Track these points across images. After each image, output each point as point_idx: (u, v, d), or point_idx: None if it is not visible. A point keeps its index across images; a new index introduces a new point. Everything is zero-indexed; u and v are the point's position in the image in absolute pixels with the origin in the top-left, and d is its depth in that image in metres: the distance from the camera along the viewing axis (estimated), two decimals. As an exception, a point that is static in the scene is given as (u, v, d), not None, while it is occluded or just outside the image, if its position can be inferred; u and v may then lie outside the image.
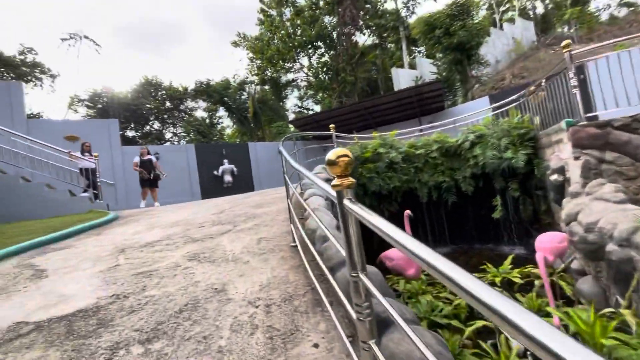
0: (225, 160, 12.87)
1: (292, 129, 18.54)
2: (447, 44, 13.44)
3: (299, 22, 23.35)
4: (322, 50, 24.79)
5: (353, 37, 23.74)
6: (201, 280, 2.30)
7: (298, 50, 23.99)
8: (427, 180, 6.71)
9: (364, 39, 25.34)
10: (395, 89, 19.88)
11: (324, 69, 23.81)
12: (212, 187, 12.48)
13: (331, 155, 1.04)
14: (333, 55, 23.85)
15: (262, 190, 12.36)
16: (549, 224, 5.34)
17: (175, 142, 24.78)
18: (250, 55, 25.44)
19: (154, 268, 2.64)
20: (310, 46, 23.74)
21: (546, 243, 3.32)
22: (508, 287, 4.15)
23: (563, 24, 25.99)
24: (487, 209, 6.73)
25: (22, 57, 19.47)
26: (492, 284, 4.19)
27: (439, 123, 8.58)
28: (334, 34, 23.44)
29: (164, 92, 22.99)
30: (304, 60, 25.44)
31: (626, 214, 3.29)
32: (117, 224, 4.88)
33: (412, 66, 23.33)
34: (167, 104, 23.67)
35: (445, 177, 6.63)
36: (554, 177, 4.55)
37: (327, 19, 23.53)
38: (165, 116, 23.94)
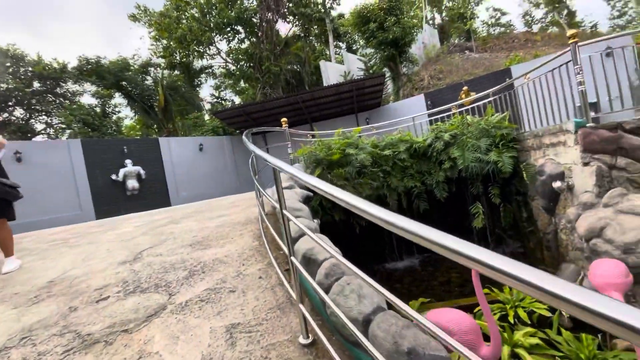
0: (128, 161, 9.99)
1: (213, 122, 16.05)
2: (382, 38, 13.07)
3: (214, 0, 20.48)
4: (243, 35, 22.42)
5: (276, 24, 22.08)
6: None
7: (215, 33, 21.11)
8: (396, 186, 5.82)
9: (288, 27, 23.87)
10: (325, 83, 19.09)
11: (246, 57, 21.55)
12: (109, 198, 9.52)
13: None
14: (255, 42, 21.77)
15: (186, 204, 10.04)
16: (532, 232, 4.98)
17: (52, 137, 19.25)
18: (154, 33, 21.38)
19: None
20: (229, 29, 21.14)
21: (613, 278, 2.60)
22: (536, 324, 3.43)
23: (460, 34, 29.15)
24: (458, 216, 6.24)
25: None
26: (503, 320, 3.46)
27: (394, 120, 7.84)
28: (256, 19, 21.35)
29: (30, 68, 17.41)
30: (222, 45, 22.67)
31: (681, 233, 2.81)
32: None
33: (338, 61, 22.98)
34: (36, 84, 18.06)
35: (416, 181, 5.85)
36: (557, 184, 4.06)
37: (247, 0, 21.26)
38: (34, 101, 18.26)
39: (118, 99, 20.39)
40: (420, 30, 17.13)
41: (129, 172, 9.87)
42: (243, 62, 22.11)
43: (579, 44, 3.84)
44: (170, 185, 10.87)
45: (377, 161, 5.83)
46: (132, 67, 18.68)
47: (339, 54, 25.51)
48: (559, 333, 3.32)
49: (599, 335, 3.19)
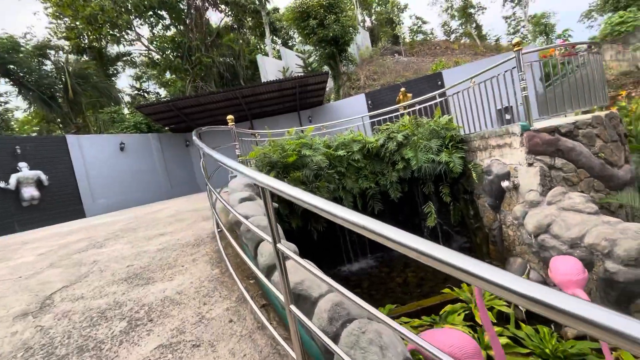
0: (23, 164, 8.07)
1: (135, 117, 14.11)
2: (322, 35, 12.92)
3: (132, -22, 17.99)
4: (168, 21, 20.23)
5: (206, 12, 20.45)
6: None
7: (134, 16, 18.62)
8: (351, 187, 5.67)
9: (220, 17, 22.31)
10: (263, 78, 18.33)
11: (172, 45, 19.51)
12: (-3, 210, 7.56)
13: None
14: (183, 30, 19.83)
15: (108, 214, 8.62)
16: (479, 228, 5.27)
17: None
18: (54, 9, 17.92)
19: None
20: (151, 13, 18.85)
21: (573, 275, 2.75)
22: (496, 321, 3.54)
23: (388, 37, 30.89)
24: (410, 215, 6.36)
25: None
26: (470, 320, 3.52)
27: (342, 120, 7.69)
28: (184, 5, 19.44)
29: None
30: (144, 31, 20.15)
31: (618, 229, 3.12)
32: None
33: (275, 56, 22.31)
34: None
35: (370, 182, 5.77)
36: (505, 183, 4.30)
37: (172, -17, 19.18)
38: None
39: (5, 86, 16.61)
40: (357, 31, 17.51)
41: (25, 178, 7.96)
42: (169, 51, 19.99)
43: (522, 51, 4.08)
44: (84, 192, 9.14)
45: (331, 162, 5.59)
46: (23, 49, 15.33)
47: (275, 49, 24.81)
48: (517, 327, 3.49)
49: (552, 326, 3.42)
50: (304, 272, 1.79)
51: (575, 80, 4.57)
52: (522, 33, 32.52)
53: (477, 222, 5.30)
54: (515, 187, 4.29)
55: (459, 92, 5.47)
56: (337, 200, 5.65)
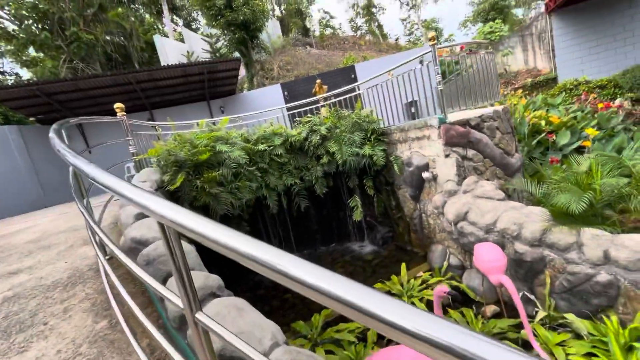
0: None
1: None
2: (231, 18, 11.84)
3: None
4: (26, -18, 15.92)
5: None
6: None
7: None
8: (275, 185, 5.23)
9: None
10: (162, 62, 16.10)
11: (35, 15, 15.49)
12: None
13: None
14: (50, -4, 15.88)
15: None
16: (400, 218, 5.45)
17: None
18: None
19: None
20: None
21: (496, 262, 2.90)
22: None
23: (298, 29, 30.84)
24: (335, 209, 6.25)
25: None
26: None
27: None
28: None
29: None
30: (-13, -9, 15.48)
31: (524, 213, 3.45)
32: None
33: (177, 39, 19.86)
34: None
35: (295, 178, 5.42)
36: (426, 174, 4.46)
37: None
38: None
39: None
40: (268, 17, 16.73)
41: None
42: (31, 22, 15.85)
43: (437, 46, 4.21)
44: None
45: (252, 158, 5.03)
46: None
47: (176, 32, 22.15)
48: (445, 313, 3.64)
49: (473, 307, 3.67)
50: (242, 314, 1.32)
51: (474, 77, 5.00)
52: (415, 35, 36.25)
53: (399, 212, 5.47)
54: (434, 178, 4.49)
55: (377, 84, 5.49)
56: (261, 199, 5.15)
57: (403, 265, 4.27)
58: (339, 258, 5.72)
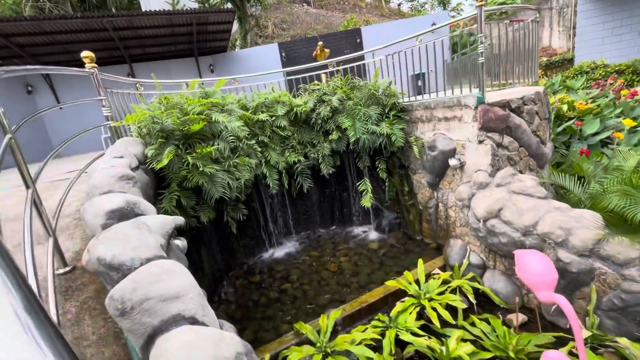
0: None
1: None
2: (224, -38, 10.35)
3: None
4: None
5: None
6: None
7: None
8: (276, 162, 4.59)
9: None
10: (144, 8, 14.38)
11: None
12: None
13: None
14: None
15: None
16: (412, 205, 4.97)
17: None
18: None
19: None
20: None
21: (546, 276, 2.46)
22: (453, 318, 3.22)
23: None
24: (336, 192, 5.71)
25: None
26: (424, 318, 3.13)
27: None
28: None
29: None
30: None
31: (572, 217, 2.99)
32: None
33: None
34: None
35: (299, 155, 4.78)
36: (453, 161, 3.91)
37: None
38: None
39: None
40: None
41: None
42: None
43: (485, 9, 3.49)
44: None
45: (251, 130, 4.33)
46: None
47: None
48: (466, 318, 3.27)
49: (499, 314, 3.31)
50: None
51: (513, 49, 4.33)
52: (418, 1, 34.15)
53: (411, 198, 4.98)
54: (462, 166, 3.95)
55: (399, 52, 4.72)
56: (260, 178, 4.52)
57: (420, 261, 3.84)
58: (342, 244, 5.27)
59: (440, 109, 4.11)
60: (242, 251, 5.14)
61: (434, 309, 3.21)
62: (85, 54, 3.10)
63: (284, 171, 4.71)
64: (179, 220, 1.66)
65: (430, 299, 3.39)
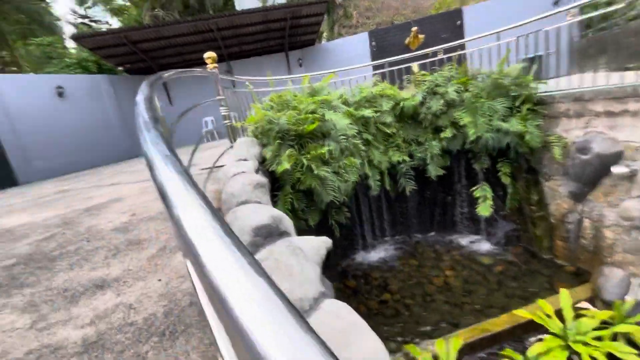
0: None
1: (81, 54, 11.26)
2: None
3: None
4: None
5: None
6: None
7: None
8: (379, 162, 4.23)
9: None
10: (237, 7, 15.27)
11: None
12: None
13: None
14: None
15: (50, 179, 6.73)
16: (542, 218, 4.13)
17: None
18: None
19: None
20: None
21: None
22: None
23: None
24: (436, 193, 5.11)
25: None
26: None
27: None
28: None
29: None
30: None
31: None
32: None
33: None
34: None
35: (403, 154, 4.35)
36: (619, 169, 3.03)
37: None
38: None
39: None
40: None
41: None
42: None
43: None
44: (13, 153, 7.01)
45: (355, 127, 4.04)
46: None
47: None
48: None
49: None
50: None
51: None
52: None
53: (540, 209, 4.13)
54: (632, 175, 3.04)
55: (529, 34, 3.83)
56: (362, 179, 4.23)
57: (564, 291, 3.09)
58: (445, 254, 4.70)
59: (601, 101, 3.21)
60: (335, 251, 4.98)
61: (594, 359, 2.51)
62: (208, 55, 3.16)
63: (386, 171, 4.34)
64: (329, 243, 1.46)
65: (585, 344, 2.68)
